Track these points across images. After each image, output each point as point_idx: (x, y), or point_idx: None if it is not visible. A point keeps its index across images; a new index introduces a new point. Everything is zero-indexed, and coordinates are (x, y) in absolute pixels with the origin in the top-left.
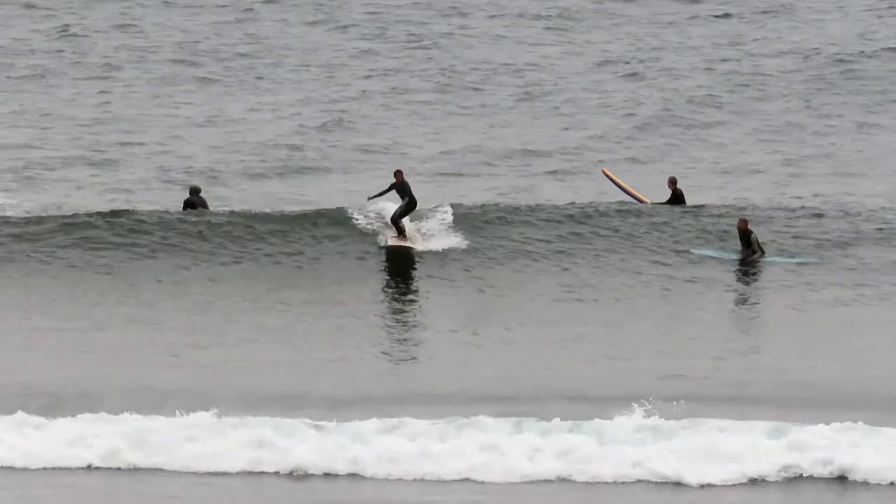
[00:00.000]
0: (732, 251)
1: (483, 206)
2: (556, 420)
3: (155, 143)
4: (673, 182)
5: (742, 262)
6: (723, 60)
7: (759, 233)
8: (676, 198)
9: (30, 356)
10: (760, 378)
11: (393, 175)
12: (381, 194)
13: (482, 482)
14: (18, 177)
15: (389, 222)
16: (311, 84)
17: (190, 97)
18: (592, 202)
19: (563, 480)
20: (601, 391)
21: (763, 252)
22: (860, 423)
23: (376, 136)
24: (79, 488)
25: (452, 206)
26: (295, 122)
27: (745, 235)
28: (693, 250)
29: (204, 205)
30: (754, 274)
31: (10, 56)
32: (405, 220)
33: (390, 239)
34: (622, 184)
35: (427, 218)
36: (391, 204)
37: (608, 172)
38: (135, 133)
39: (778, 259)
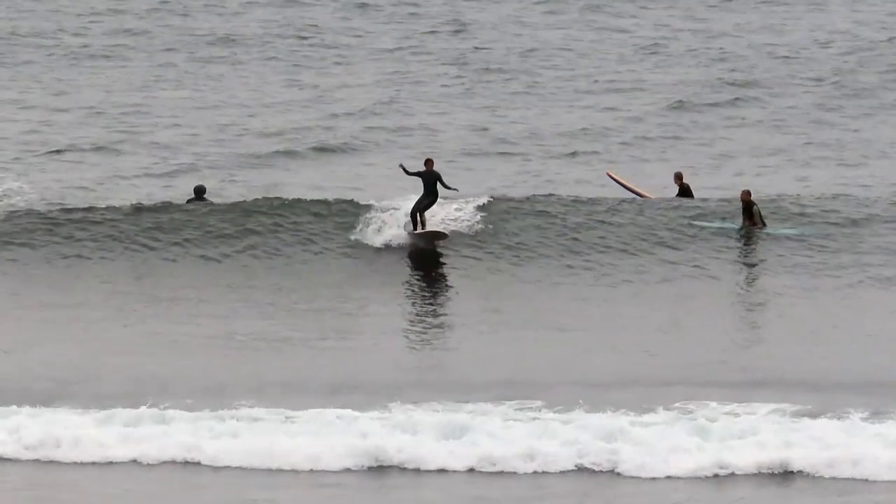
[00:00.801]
0: (734, 223)
1: (501, 195)
2: (559, 408)
3: (172, 128)
4: (679, 177)
5: (742, 234)
6: (746, 46)
7: (766, 209)
8: (684, 192)
9: (31, 345)
10: (766, 364)
11: (423, 163)
12: (409, 172)
13: (488, 473)
14: (32, 163)
15: (408, 215)
16: (337, 68)
17: (216, 82)
18: (605, 191)
19: (571, 472)
20: (608, 379)
21: (765, 224)
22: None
23: (403, 120)
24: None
25: (469, 196)
26: (322, 108)
27: (748, 207)
28: (694, 222)
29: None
30: (762, 255)
31: (44, 38)
32: (426, 213)
33: (408, 232)
34: (627, 184)
35: (447, 206)
36: (412, 196)
37: (612, 174)
38: (146, 119)
39: (780, 231)
